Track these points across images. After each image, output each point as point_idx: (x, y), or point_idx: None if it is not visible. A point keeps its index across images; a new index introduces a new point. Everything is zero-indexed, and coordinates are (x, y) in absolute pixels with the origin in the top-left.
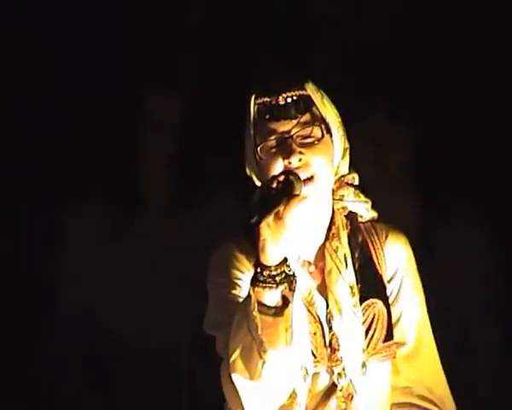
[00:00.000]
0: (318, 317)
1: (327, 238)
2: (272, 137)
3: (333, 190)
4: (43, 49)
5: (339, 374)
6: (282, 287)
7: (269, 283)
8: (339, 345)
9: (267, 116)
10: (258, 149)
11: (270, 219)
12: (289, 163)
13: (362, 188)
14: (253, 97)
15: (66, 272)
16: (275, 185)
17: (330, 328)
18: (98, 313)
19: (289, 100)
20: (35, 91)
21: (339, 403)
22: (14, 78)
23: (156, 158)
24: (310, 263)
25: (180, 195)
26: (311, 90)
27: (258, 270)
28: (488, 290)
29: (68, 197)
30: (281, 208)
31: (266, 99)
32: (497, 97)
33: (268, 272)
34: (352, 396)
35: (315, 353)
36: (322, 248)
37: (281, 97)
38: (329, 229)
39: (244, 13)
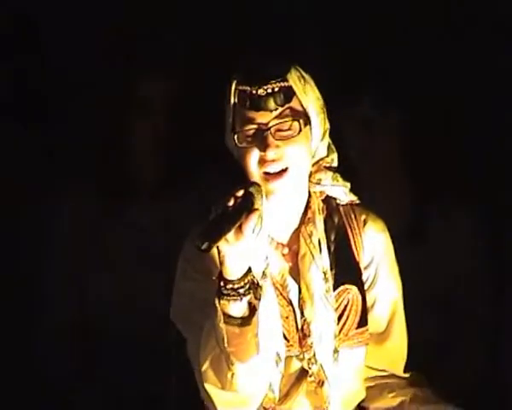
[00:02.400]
0: (290, 300)
1: (302, 222)
2: (250, 127)
3: (310, 173)
4: (35, 31)
5: (309, 360)
6: (246, 298)
7: (233, 295)
8: (310, 331)
9: (247, 104)
10: (236, 135)
11: (230, 234)
12: (265, 155)
13: (350, 174)
14: (234, 83)
15: (57, 259)
16: (231, 203)
17: (302, 313)
18: (90, 299)
19: (270, 91)
20: (22, 81)
21: (310, 389)
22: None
23: (146, 144)
24: (283, 245)
25: (171, 180)
26: (293, 80)
27: (222, 283)
28: (476, 274)
29: (55, 183)
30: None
31: (247, 88)
32: (486, 86)
33: (231, 286)
34: (323, 382)
35: (287, 337)
36: (297, 231)
37: (261, 89)
38: (305, 213)
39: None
